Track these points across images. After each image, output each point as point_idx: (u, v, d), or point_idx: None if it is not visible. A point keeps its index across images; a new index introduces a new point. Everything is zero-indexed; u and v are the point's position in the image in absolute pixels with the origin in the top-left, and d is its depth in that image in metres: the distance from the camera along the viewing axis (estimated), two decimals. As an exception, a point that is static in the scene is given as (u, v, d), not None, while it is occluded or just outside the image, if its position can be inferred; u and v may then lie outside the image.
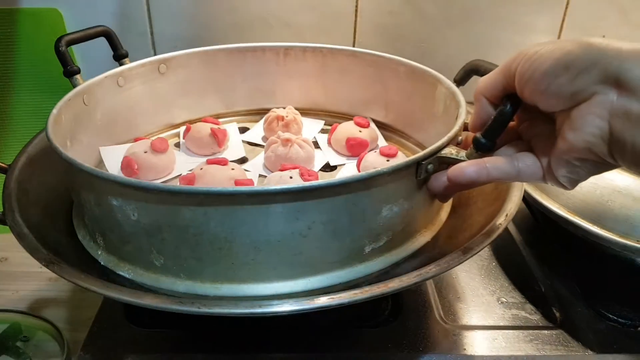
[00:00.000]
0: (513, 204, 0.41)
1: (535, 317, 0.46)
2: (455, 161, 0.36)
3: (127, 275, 0.37)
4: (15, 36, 0.66)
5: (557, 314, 0.46)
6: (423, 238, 0.41)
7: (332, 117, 0.66)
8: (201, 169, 0.49)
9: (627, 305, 0.48)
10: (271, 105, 0.67)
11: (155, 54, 0.73)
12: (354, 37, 0.72)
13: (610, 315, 0.47)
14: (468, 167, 0.34)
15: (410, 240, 0.40)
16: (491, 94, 0.35)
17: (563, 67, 0.29)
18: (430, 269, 0.34)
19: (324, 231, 0.34)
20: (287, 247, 0.33)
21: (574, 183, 0.33)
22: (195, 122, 0.64)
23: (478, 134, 0.35)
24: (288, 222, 0.33)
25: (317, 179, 0.47)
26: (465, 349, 0.42)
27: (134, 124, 0.59)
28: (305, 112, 0.67)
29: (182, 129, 0.62)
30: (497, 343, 0.43)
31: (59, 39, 0.52)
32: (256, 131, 0.64)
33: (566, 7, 0.69)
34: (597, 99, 0.29)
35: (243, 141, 0.62)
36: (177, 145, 0.61)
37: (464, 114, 0.43)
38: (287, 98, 0.67)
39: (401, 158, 0.52)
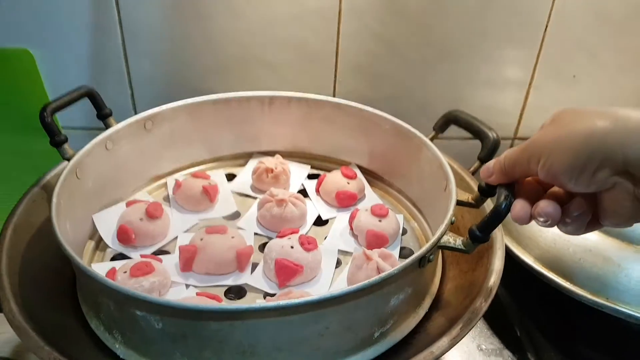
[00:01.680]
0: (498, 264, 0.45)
1: (512, 363, 0.51)
2: (454, 249, 0.40)
3: (149, 372, 0.38)
4: None
5: None
6: (422, 311, 0.44)
7: (317, 160, 0.68)
8: (201, 239, 0.50)
9: (597, 350, 0.53)
10: (256, 149, 0.68)
11: (132, 94, 0.71)
12: (335, 76, 0.74)
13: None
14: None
15: (412, 316, 0.43)
16: (507, 177, 0.37)
17: (579, 171, 0.32)
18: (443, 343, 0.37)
19: (340, 328, 0.36)
20: (306, 345, 0.36)
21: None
22: (182, 172, 0.65)
23: (474, 227, 0.39)
24: (308, 327, 0.35)
25: (316, 246, 0.49)
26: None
27: (122, 183, 0.59)
28: (290, 155, 0.68)
29: (170, 182, 0.62)
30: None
31: (44, 109, 0.50)
32: (244, 179, 0.65)
33: (540, 47, 0.73)
34: (618, 187, 0.32)
35: (232, 192, 0.63)
36: (167, 199, 0.61)
37: (455, 193, 0.46)
38: (272, 143, 0.68)
39: (392, 217, 0.55)
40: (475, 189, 0.55)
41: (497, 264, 0.46)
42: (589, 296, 0.50)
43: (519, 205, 0.37)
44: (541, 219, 0.35)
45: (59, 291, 0.45)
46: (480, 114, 0.74)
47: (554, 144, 0.34)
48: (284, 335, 0.35)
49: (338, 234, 0.56)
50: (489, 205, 0.51)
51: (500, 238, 0.48)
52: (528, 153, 0.35)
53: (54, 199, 0.43)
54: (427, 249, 0.39)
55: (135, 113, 0.72)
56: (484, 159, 0.55)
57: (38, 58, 0.65)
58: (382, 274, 0.36)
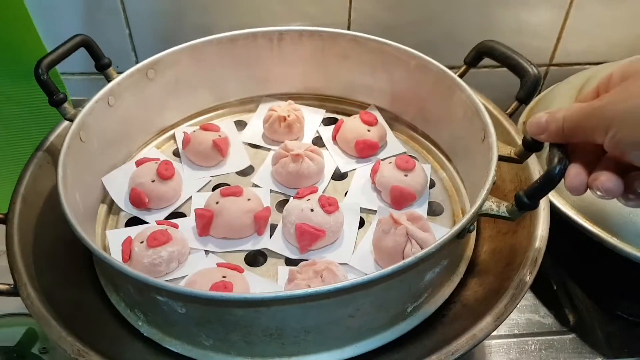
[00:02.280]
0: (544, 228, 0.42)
1: (549, 321, 0.50)
2: (497, 217, 0.37)
3: (174, 350, 0.38)
4: None
5: (570, 317, 0.50)
6: (457, 277, 0.42)
7: (332, 102, 0.64)
8: (217, 202, 0.48)
9: (638, 302, 0.51)
10: (266, 92, 0.63)
11: (130, 33, 0.65)
12: (350, 2, 0.66)
13: (620, 313, 0.50)
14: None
15: (447, 284, 0.41)
16: (562, 139, 0.33)
17: None
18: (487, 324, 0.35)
19: (371, 308, 0.35)
20: (335, 326, 0.35)
21: None
22: (189, 123, 0.61)
23: (521, 192, 0.35)
24: (337, 310, 0.33)
25: (337, 207, 0.47)
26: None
27: (129, 139, 0.55)
28: (302, 97, 0.64)
29: (179, 134, 0.58)
30: (512, 355, 0.47)
31: (38, 65, 0.46)
32: (255, 128, 0.61)
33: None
34: None
35: (243, 142, 0.59)
36: (176, 153, 0.58)
37: (496, 149, 0.42)
38: (283, 84, 0.63)
39: (419, 170, 0.51)
40: (514, 134, 0.51)
41: (543, 228, 0.42)
42: (637, 253, 0.47)
43: (574, 172, 0.32)
44: (599, 193, 0.32)
45: (75, 264, 0.44)
46: (512, 38, 0.68)
47: (626, 114, 0.29)
48: (312, 318, 0.34)
49: (359, 189, 0.53)
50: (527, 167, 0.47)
51: (545, 198, 0.44)
52: (594, 121, 0.31)
53: (60, 171, 0.41)
54: (467, 219, 0.36)
55: (135, 54, 0.67)
56: (523, 98, 0.50)
57: (27, 1, 0.59)
58: (419, 254, 0.33)
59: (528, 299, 0.52)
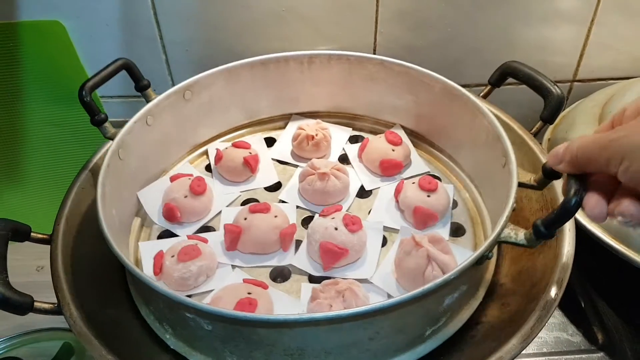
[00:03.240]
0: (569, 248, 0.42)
1: (577, 340, 0.49)
2: (516, 244, 0.37)
3: (200, 364, 0.40)
4: (20, 49, 0.63)
5: (599, 335, 0.49)
6: (476, 301, 0.43)
7: (359, 121, 0.65)
8: (245, 218, 0.50)
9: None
10: (295, 110, 0.65)
11: (167, 58, 0.69)
12: (376, 26, 0.68)
13: None
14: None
15: (465, 308, 0.42)
16: (577, 170, 0.34)
17: None
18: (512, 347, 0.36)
19: (391, 331, 0.36)
20: (355, 348, 0.36)
21: None
22: (221, 139, 0.63)
23: (539, 222, 0.36)
24: (358, 332, 0.35)
25: (361, 226, 0.48)
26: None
27: (164, 156, 0.58)
28: (330, 116, 0.65)
29: (211, 151, 0.61)
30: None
31: (82, 87, 0.49)
32: (284, 145, 0.63)
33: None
34: None
35: (272, 159, 0.61)
36: (208, 168, 0.61)
37: (516, 176, 0.42)
38: (312, 103, 0.65)
39: (441, 191, 0.52)
40: (539, 154, 0.52)
41: (568, 248, 0.43)
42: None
43: (594, 201, 0.33)
44: (621, 219, 0.32)
45: (111, 281, 0.47)
46: (535, 55, 0.68)
47: (638, 147, 0.29)
48: (333, 340, 0.35)
49: (383, 208, 0.54)
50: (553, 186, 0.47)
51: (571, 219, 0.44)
52: (608, 153, 0.31)
53: (99, 189, 0.43)
54: (485, 247, 0.37)
55: (172, 78, 0.70)
56: (547, 118, 0.51)
57: (70, 29, 0.63)
58: (437, 281, 0.34)
59: (556, 317, 0.52)
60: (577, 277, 0.56)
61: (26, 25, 0.61)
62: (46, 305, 0.40)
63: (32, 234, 0.45)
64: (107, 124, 0.51)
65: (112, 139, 0.50)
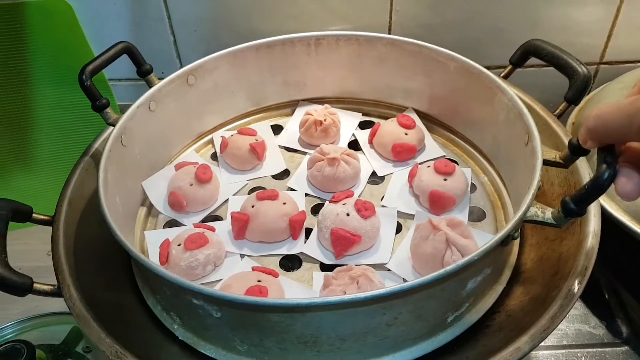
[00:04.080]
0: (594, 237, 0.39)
1: (600, 332, 0.47)
2: (543, 223, 0.35)
3: (209, 354, 0.38)
4: (26, 30, 0.61)
5: (623, 328, 0.47)
6: (500, 286, 0.40)
7: (369, 106, 0.63)
8: (253, 206, 0.48)
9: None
10: (302, 96, 0.63)
11: (175, 40, 0.67)
12: (391, 4, 0.65)
13: None
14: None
15: (489, 293, 0.39)
16: (599, 141, 0.31)
17: None
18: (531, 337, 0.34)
19: (410, 317, 0.33)
20: (372, 335, 0.34)
21: None
22: (227, 127, 0.61)
23: (567, 198, 0.33)
24: (374, 318, 0.32)
25: (374, 212, 0.46)
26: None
27: (169, 143, 0.56)
28: (339, 101, 0.63)
29: (217, 138, 0.59)
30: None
31: (82, 71, 0.47)
32: (291, 132, 0.61)
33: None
34: None
35: (279, 146, 0.59)
36: (214, 157, 0.59)
37: (540, 153, 0.40)
38: (320, 89, 0.63)
39: (459, 174, 0.49)
40: (562, 136, 0.49)
41: (593, 235, 0.40)
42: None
43: (625, 177, 0.30)
44: None
45: (115, 266, 0.45)
46: (559, 36, 0.65)
47: None
48: (348, 326, 0.33)
49: (396, 193, 0.52)
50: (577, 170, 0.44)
51: (596, 203, 0.42)
52: (627, 113, 0.28)
53: (101, 174, 0.41)
54: (512, 226, 0.34)
55: (180, 60, 0.68)
56: (572, 99, 0.48)
57: (76, 9, 0.62)
58: (460, 262, 0.32)
59: (578, 309, 0.49)
60: (601, 266, 0.53)
61: (33, 5, 0.60)
62: (46, 287, 0.39)
63: (33, 215, 0.43)
64: (109, 110, 0.49)
65: (114, 125, 0.48)
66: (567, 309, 0.35)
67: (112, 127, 0.48)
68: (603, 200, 0.50)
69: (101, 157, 0.43)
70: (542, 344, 0.47)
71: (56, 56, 0.63)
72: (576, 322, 0.48)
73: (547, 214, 0.35)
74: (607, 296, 0.50)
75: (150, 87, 0.52)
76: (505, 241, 0.35)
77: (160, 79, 0.53)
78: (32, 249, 0.58)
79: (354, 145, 0.59)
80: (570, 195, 0.33)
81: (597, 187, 0.31)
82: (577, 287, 0.37)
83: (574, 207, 0.33)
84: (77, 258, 0.42)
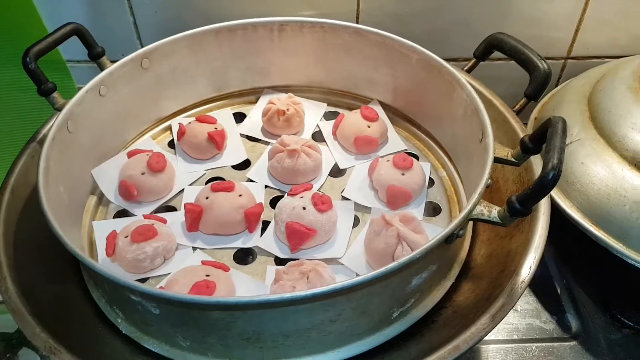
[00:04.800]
0: (541, 234, 0.40)
1: (550, 327, 0.47)
2: (488, 222, 0.35)
3: (152, 349, 0.37)
4: None
5: (573, 323, 0.48)
6: (448, 282, 0.40)
7: (334, 96, 0.62)
8: (207, 197, 0.46)
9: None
10: (266, 84, 0.62)
11: (135, 21, 0.64)
12: (357, -9, 0.64)
13: (626, 321, 0.48)
14: None
15: (437, 289, 0.39)
16: None
17: None
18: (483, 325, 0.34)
19: (354, 313, 0.33)
20: (316, 331, 0.33)
21: None
22: (187, 113, 0.60)
23: (514, 197, 0.33)
24: (317, 315, 0.32)
25: (331, 206, 0.45)
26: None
27: (122, 130, 0.54)
28: (304, 90, 0.62)
29: (175, 126, 0.57)
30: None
31: (26, 54, 0.45)
32: (254, 120, 0.59)
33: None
34: None
35: (241, 135, 0.58)
36: (171, 144, 0.57)
37: (492, 150, 0.40)
38: (284, 76, 0.61)
39: (417, 169, 0.49)
40: (520, 133, 0.49)
41: (541, 234, 0.40)
42: (640, 258, 0.44)
43: None
44: None
45: (60, 257, 0.43)
46: (528, 29, 0.64)
47: None
48: (291, 323, 0.32)
49: (356, 186, 0.51)
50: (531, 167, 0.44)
51: (546, 202, 0.42)
52: None
53: (42, 163, 0.40)
54: (455, 224, 0.34)
55: (141, 42, 0.66)
56: (531, 95, 0.48)
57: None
58: (401, 260, 0.31)
59: (530, 303, 0.50)
60: (555, 261, 0.54)
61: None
62: None
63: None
64: (55, 94, 0.47)
65: (61, 110, 0.46)
66: (508, 309, 0.35)
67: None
68: (557, 196, 0.50)
69: (43, 145, 0.41)
70: (493, 337, 0.47)
71: (8, 33, 0.60)
72: (527, 316, 0.49)
73: (493, 212, 0.35)
74: (559, 291, 0.51)
75: (102, 70, 0.50)
76: (450, 239, 0.34)
77: (112, 62, 0.51)
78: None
79: (318, 136, 0.58)
80: (517, 195, 0.33)
81: (542, 187, 0.31)
82: (520, 286, 0.37)
83: (519, 206, 0.33)
84: (17, 249, 0.40)
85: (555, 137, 0.33)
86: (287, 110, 0.56)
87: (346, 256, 0.44)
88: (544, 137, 0.35)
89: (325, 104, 0.61)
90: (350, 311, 0.33)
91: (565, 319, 0.48)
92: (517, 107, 0.51)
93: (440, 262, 0.37)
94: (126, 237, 0.42)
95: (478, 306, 0.36)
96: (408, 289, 0.35)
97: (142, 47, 0.66)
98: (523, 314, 0.49)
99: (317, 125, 0.59)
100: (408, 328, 0.37)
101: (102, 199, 0.50)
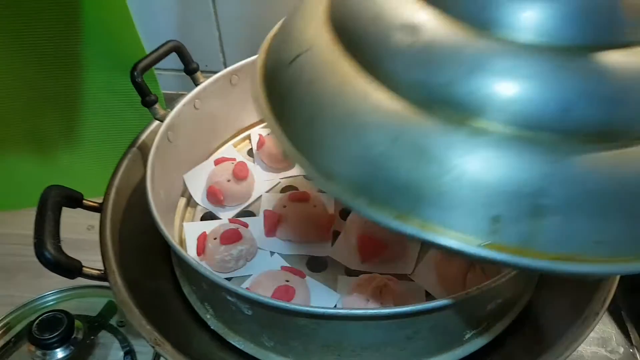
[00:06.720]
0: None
1: (616, 358, 0.48)
2: None
3: (238, 346, 0.40)
4: (78, 17, 0.63)
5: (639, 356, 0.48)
6: (518, 308, 0.42)
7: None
8: (284, 206, 0.50)
9: None
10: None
11: (220, 35, 0.69)
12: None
13: None
14: None
15: (508, 315, 0.41)
16: None
17: None
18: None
19: (430, 333, 0.35)
20: (392, 346, 0.36)
21: None
22: (262, 124, 0.63)
23: None
24: (395, 332, 0.34)
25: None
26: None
27: (209, 139, 0.59)
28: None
29: (254, 136, 0.61)
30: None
31: (134, 68, 0.50)
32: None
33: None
34: None
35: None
36: (250, 153, 0.61)
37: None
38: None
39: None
40: None
41: None
42: None
43: None
44: None
45: (155, 253, 0.48)
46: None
47: None
48: (370, 336, 0.35)
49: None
50: None
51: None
52: None
53: (149, 170, 0.44)
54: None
55: (223, 55, 0.71)
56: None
57: (130, 3, 0.64)
58: (482, 286, 0.33)
59: (596, 331, 0.50)
60: (623, 288, 0.53)
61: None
62: (94, 272, 0.42)
63: (83, 201, 0.46)
64: (157, 106, 0.52)
65: (161, 120, 0.51)
66: (583, 336, 0.36)
67: (157, 122, 0.51)
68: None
69: (149, 153, 0.46)
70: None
71: (108, 44, 0.65)
72: (593, 344, 0.49)
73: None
74: (627, 321, 0.50)
75: (195, 84, 0.55)
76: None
77: (203, 71, 0.56)
78: (73, 222, 0.57)
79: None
80: None
81: None
82: (596, 315, 0.38)
83: None
84: (121, 245, 0.45)
85: None
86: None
87: (416, 272, 0.46)
88: None
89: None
90: (426, 330, 0.35)
91: (633, 350, 0.48)
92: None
93: (516, 287, 0.38)
94: (215, 239, 0.47)
95: (550, 331, 0.37)
96: (484, 313, 0.37)
97: (225, 60, 0.72)
98: (589, 342, 0.49)
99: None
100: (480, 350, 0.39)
101: (190, 201, 0.55)
